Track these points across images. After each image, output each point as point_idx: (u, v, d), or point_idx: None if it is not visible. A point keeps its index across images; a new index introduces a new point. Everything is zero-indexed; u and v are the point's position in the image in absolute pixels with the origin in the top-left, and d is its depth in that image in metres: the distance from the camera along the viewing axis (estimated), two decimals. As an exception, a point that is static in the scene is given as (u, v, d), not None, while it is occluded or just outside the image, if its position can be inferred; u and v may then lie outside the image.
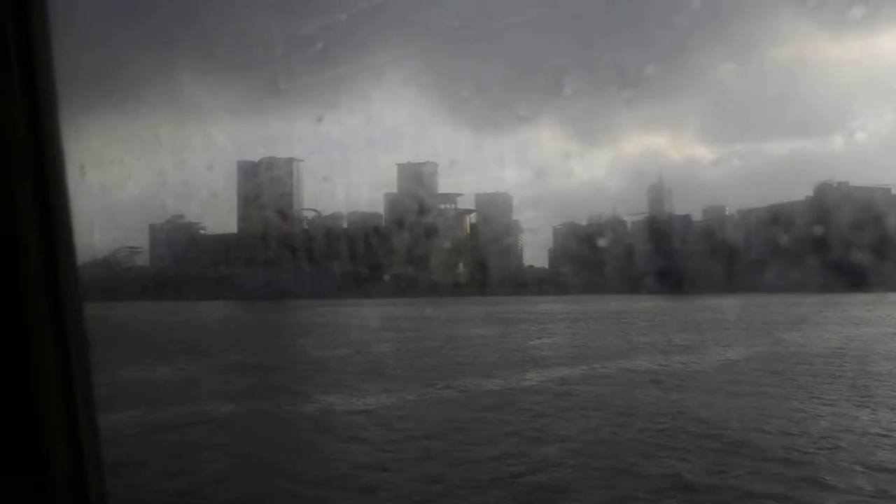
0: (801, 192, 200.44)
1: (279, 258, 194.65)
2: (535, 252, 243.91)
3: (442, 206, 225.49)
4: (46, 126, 2.31)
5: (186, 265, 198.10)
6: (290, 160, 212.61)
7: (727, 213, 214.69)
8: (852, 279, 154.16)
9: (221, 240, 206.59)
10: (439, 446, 18.80)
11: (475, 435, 19.81)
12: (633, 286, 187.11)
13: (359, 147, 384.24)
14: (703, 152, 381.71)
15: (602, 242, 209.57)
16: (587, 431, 20.36)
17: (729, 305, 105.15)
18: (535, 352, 43.29)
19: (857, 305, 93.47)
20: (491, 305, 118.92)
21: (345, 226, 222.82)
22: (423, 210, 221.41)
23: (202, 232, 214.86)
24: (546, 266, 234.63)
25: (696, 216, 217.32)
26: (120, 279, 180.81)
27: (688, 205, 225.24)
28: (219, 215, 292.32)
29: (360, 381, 30.94)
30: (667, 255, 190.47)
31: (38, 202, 2.26)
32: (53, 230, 2.30)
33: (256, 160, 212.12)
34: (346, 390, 28.41)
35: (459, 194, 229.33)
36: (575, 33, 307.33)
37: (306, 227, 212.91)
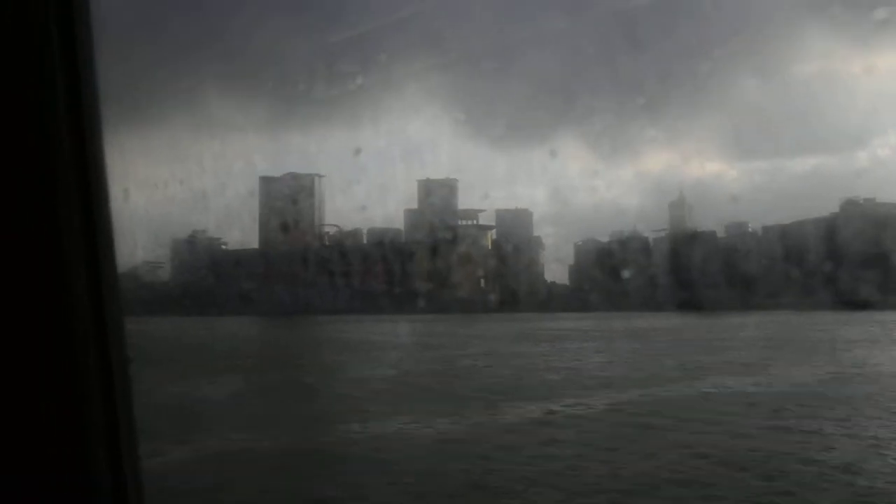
0: (825, 208, 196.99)
1: (302, 273, 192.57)
2: (555, 268, 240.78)
3: (463, 223, 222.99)
4: (90, 144, 2.35)
5: (209, 280, 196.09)
6: (313, 176, 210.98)
7: (750, 229, 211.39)
8: (879, 296, 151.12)
9: (243, 255, 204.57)
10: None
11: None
12: (656, 303, 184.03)
13: (379, 162, 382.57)
14: (724, 168, 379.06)
15: (624, 259, 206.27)
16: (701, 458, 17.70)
17: (762, 322, 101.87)
18: (593, 371, 40.50)
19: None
20: (518, 322, 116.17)
21: (364, 241, 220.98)
22: (443, 226, 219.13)
23: (224, 247, 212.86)
24: (567, 282, 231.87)
25: (719, 232, 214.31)
26: (142, 294, 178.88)
27: (710, 221, 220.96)
28: (241, 230, 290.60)
29: (422, 403, 28.20)
30: (690, 272, 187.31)
31: (83, 218, 2.30)
32: (97, 246, 2.35)
33: (279, 175, 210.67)
34: (412, 415, 25.75)
35: (481, 210, 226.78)
36: (597, 48, 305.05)
37: (328, 242, 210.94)
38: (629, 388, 30.50)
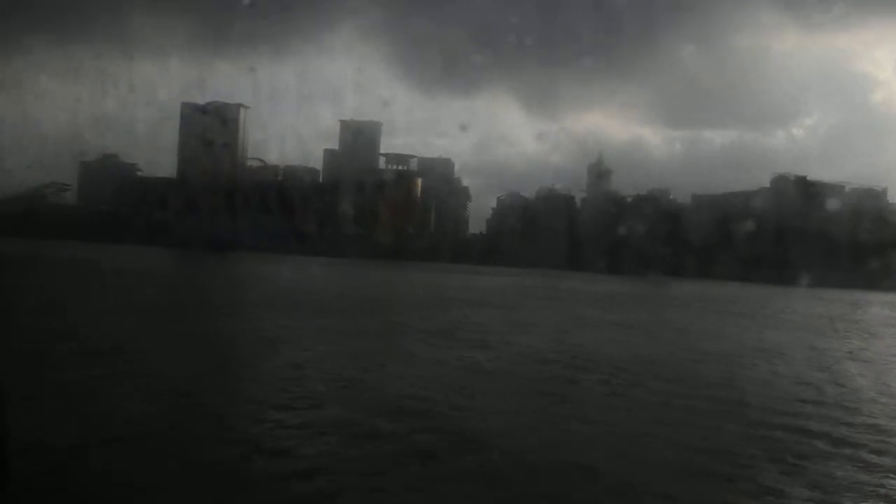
0: (746, 182, 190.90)
1: (222, 207, 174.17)
2: (473, 220, 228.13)
3: (390, 167, 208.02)
4: None
5: (120, 207, 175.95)
6: (238, 106, 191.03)
7: (671, 197, 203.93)
8: (802, 274, 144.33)
9: (159, 183, 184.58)
10: None
11: None
12: (579, 264, 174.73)
13: (303, 97, 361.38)
14: (648, 134, 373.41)
15: (550, 217, 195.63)
16: None
17: (723, 294, 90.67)
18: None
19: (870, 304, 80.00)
20: (470, 275, 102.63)
21: (280, 178, 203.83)
22: (368, 169, 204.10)
23: (139, 173, 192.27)
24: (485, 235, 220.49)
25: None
26: (45, 217, 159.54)
27: (628, 185, 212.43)
28: (157, 157, 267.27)
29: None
30: (619, 236, 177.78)
31: None
32: None
33: (202, 103, 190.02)
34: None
35: (412, 156, 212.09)
36: (540, 2, 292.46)
37: (250, 177, 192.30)
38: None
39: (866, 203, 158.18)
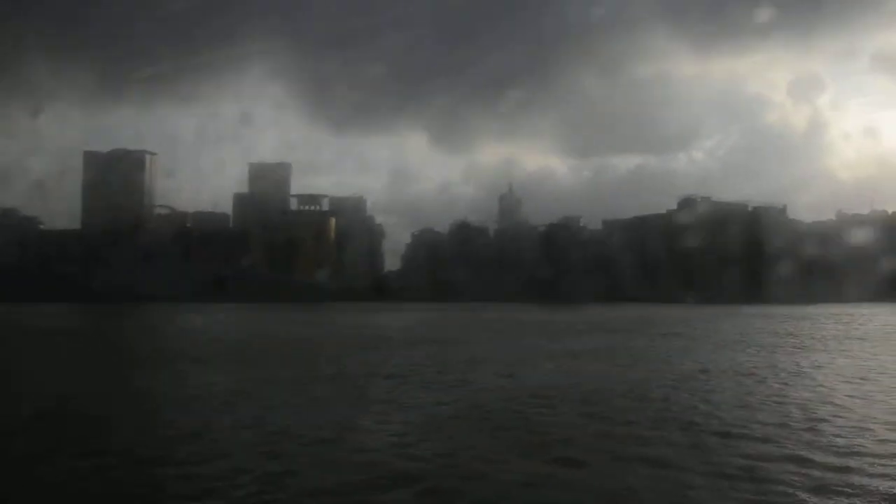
0: (654, 205, 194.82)
1: (129, 257, 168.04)
2: (388, 257, 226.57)
3: (304, 208, 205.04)
4: None
5: (22, 262, 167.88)
6: (144, 153, 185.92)
7: (582, 224, 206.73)
8: (721, 293, 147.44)
9: (62, 235, 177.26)
10: None
11: None
12: (498, 294, 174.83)
13: (212, 142, 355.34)
14: (555, 163, 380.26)
15: (466, 249, 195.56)
16: None
17: (649, 316, 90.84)
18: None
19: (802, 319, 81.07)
20: (393, 312, 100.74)
21: (189, 225, 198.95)
22: (279, 211, 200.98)
23: (41, 227, 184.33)
24: (400, 271, 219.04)
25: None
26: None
27: (538, 215, 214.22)
28: (60, 209, 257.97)
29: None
30: (536, 265, 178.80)
31: None
32: None
33: (106, 151, 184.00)
34: None
35: (324, 196, 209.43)
36: (447, 35, 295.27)
37: (159, 225, 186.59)
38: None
39: (767, 220, 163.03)
